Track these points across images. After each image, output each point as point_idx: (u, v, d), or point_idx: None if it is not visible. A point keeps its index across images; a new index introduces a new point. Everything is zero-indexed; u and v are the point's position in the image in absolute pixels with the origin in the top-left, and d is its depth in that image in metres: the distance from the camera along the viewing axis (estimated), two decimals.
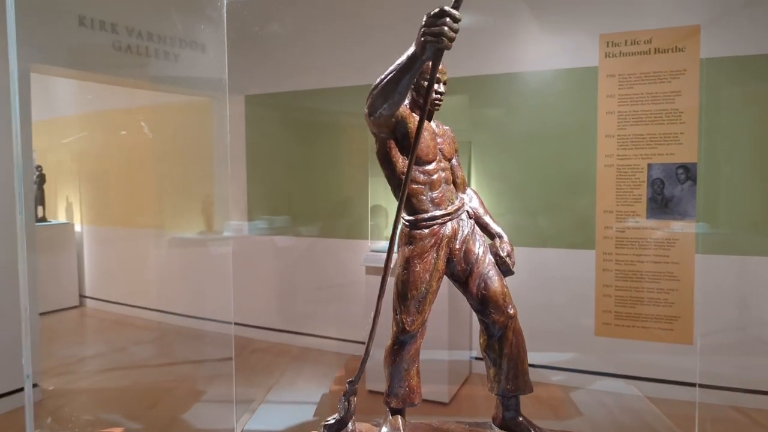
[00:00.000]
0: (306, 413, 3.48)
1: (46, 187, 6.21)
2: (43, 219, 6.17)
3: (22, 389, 3.61)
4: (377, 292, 1.83)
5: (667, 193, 3.46)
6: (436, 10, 1.47)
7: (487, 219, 2.09)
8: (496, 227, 2.07)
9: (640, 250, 3.58)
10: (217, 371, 4.25)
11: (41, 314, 5.77)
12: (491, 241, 2.04)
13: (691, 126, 3.41)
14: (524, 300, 3.97)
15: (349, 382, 1.92)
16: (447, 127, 2.08)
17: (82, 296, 6.66)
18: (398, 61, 1.58)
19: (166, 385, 4.01)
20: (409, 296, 1.89)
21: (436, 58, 1.53)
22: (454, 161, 2.05)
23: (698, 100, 3.39)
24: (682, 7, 3.46)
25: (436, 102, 1.94)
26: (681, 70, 3.41)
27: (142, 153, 5.89)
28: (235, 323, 5.20)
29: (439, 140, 1.96)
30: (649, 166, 3.52)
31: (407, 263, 1.90)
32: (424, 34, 1.48)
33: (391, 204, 4.49)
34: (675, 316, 3.49)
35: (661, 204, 3.48)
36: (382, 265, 3.62)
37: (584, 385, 3.77)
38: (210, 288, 5.28)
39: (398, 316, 1.92)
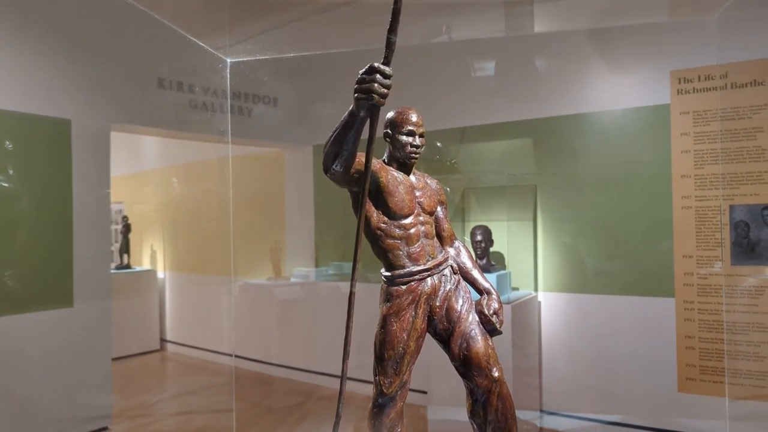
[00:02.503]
0: None
1: (131, 236, 6.66)
2: (128, 266, 6.59)
3: (101, 430, 3.79)
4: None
5: (753, 237, 3.17)
6: (366, 67, 1.48)
7: (475, 274, 1.98)
8: (484, 283, 1.96)
9: (726, 299, 3.27)
10: (284, 417, 4.25)
11: (123, 357, 6.11)
12: (479, 298, 1.92)
13: None
14: (598, 351, 3.75)
15: None
16: (432, 180, 2.02)
17: (163, 340, 6.98)
18: (341, 119, 1.58)
19: (230, 431, 4.06)
20: (386, 357, 1.82)
21: (372, 115, 1.53)
22: (440, 213, 1.99)
23: None
24: (759, 40, 3.26)
25: (412, 155, 1.88)
26: (762, 105, 3.18)
27: (218, 202, 6.21)
28: (301, 369, 5.23)
29: (417, 194, 1.90)
30: (732, 207, 3.25)
31: (384, 322, 1.84)
32: (355, 92, 1.50)
33: None
34: (766, 371, 3.13)
35: (746, 248, 3.19)
36: None
37: None
38: (276, 332, 5.37)
39: (376, 378, 1.86)
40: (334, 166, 1.66)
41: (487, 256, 3.74)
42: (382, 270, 1.89)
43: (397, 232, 1.83)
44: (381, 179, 1.81)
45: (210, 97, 4.49)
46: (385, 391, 1.83)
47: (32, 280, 3.49)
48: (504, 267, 3.97)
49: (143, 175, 7.03)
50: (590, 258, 3.79)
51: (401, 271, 1.82)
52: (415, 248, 1.84)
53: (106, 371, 3.86)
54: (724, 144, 3.29)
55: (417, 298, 1.82)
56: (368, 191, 1.72)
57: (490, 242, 3.76)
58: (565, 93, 3.92)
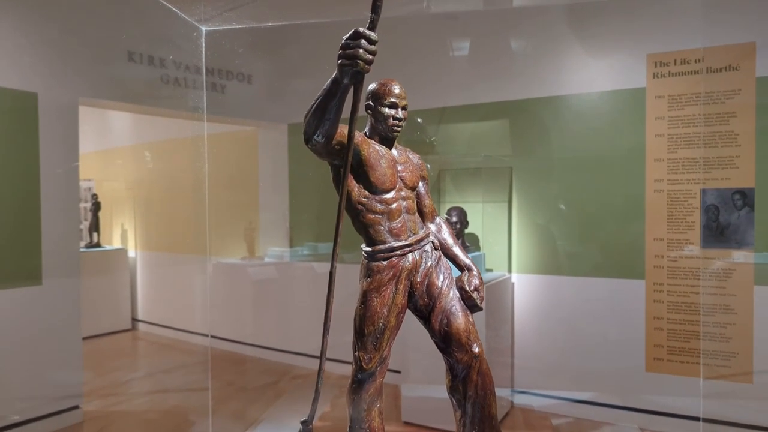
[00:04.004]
0: None
1: (101, 214, 6.50)
2: (98, 245, 6.44)
3: (72, 408, 3.73)
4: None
5: (723, 220, 3.24)
6: (351, 32, 1.43)
7: (456, 250, 1.98)
8: (465, 259, 1.96)
9: (694, 281, 3.35)
10: (258, 396, 4.25)
11: (94, 336, 6.01)
12: (459, 275, 1.93)
13: (747, 149, 3.20)
14: (569, 331, 3.82)
15: (303, 422, 1.84)
16: (414, 155, 2.00)
17: (134, 319, 6.88)
18: (324, 87, 1.54)
19: (205, 410, 4.04)
20: (366, 332, 1.81)
21: (357, 82, 1.48)
22: (421, 189, 1.97)
23: (755, 122, 3.19)
24: (735, 25, 3.29)
25: (395, 128, 1.85)
26: (735, 89, 3.22)
27: (192, 181, 6.09)
28: (275, 349, 5.22)
29: (399, 168, 1.88)
30: (703, 191, 3.32)
31: (364, 297, 1.82)
32: (339, 58, 1.45)
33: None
34: (732, 352, 3.23)
35: (716, 232, 3.26)
36: None
37: (632, 423, 3.53)
38: (250, 312, 5.34)
39: (356, 353, 1.85)
40: (315, 137, 1.62)
41: (462, 237, 3.75)
42: (363, 245, 1.87)
43: (379, 206, 1.80)
44: (363, 152, 1.78)
45: (182, 72, 4.36)
46: (364, 366, 1.82)
47: (3, 259, 3.38)
48: (478, 248, 4.00)
49: (113, 152, 6.85)
50: (563, 240, 3.84)
51: (382, 247, 1.81)
52: (397, 223, 1.82)
53: (76, 349, 3.78)
54: (697, 128, 3.34)
55: (398, 274, 1.81)
56: (350, 164, 1.68)
57: (465, 223, 3.77)
58: (541, 74, 3.92)
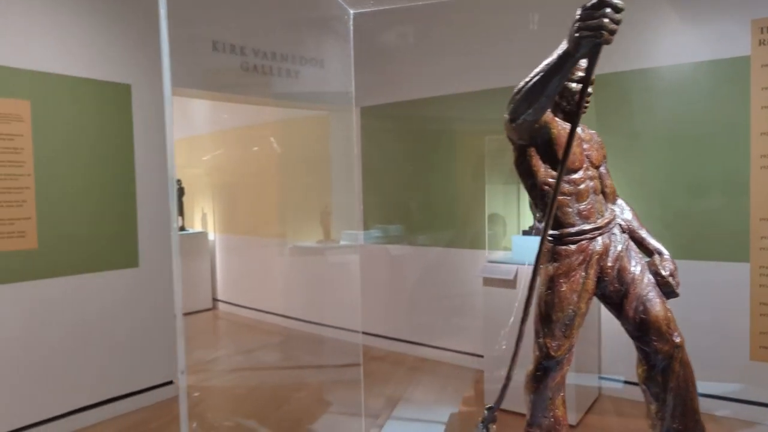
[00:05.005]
0: None
1: (184, 199, 6.80)
2: (182, 228, 6.76)
3: (166, 384, 3.95)
4: (519, 311, 1.74)
5: None
6: (594, 1, 1.31)
7: (644, 233, 1.88)
8: (654, 242, 1.86)
9: None
10: (339, 377, 4.35)
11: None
12: (650, 259, 1.82)
13: None
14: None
15: (488, 408, 1.79)
16: (593, 131, 1.89)
17: (215, 299, 7.20)
18: (546, 62, 1.44)
19: (291, 388, 4.17)
20: (553, 318, 1.72)
21: (594, 55, 1.38)
22: (602, 168, 1.87)
23: None
24: None
25: (585, 105, 1.75)
26: None
27: (268, 166, 6.25)
28: (355, 331, 5.30)
29: (585, 146, 1.79)
30: None
31: (551, 282, 1.73)
32: (579, 29, 1.33)
33: (509, 213, 4.32)
34: None
35: None
36: (500, 277, 3.48)
37: (737, 415, 3.33)
38: (330, 295, 5.45)
39: (541, 340, 1.76)
40: (526, 115, 1.54)
41: None
42: (538, 226, 1.82)
43: (567, 187, 1.72)
44: (552, 130, 1.70)
45: (260, 59, 4.45)
46: (552, 353, 1.75)
47: (102, 241, 3.60)
48: None
49: (194, 140, 7.12)
50: (656, 222, 3.64)
51: (571, 230, 1.73)
52: (586, 205, 1.74)
53: (170, 327, 3.99)
54: None
55: (588, 258, 1.73)
56: (536, 144, 1.62)
57: None
58: (629, 46, 3.69)
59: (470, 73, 4.32)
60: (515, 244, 3.76)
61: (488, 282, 3.59)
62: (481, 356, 3.78)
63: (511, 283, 3.43)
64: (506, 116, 1.59)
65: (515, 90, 1.53)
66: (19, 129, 3.23)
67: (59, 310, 3.41)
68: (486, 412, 1.78)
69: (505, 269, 3.51)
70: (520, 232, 4.02)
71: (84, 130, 3.52)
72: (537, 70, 1.47)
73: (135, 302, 3.78)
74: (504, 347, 3.51)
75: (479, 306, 3.79)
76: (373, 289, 5.13)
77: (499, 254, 4.05)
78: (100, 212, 3.60)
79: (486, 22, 4.28)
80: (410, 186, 4.90)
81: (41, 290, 3.31)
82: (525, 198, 3.96)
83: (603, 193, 1.86)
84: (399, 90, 4.86)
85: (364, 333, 5.21)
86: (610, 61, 3.71)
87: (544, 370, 1.78)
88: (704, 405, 3.43)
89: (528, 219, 4.04)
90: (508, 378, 1.74)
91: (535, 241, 2.05)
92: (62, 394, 3.42)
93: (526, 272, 3.39)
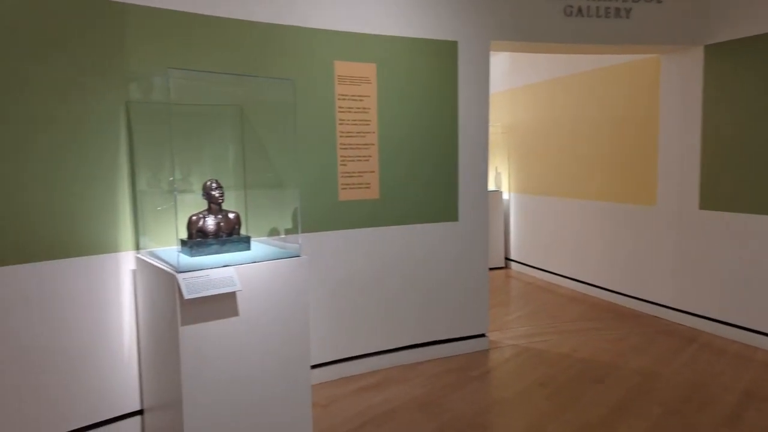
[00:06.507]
0: None
1: None
2: None
3: (475, 336, 4.06)
4: None
5: None
6: None
7: None
8: None
9: None
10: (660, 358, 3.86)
11: None
12: None
13: None
14: None
15: None
16: None
17: (507, 259, 7.23)
18: None
19: (609, 362, 3.86)
20: None
21: None
22: None
23: None
24: None
25: None
26: None
27: (578, 121, 5.84)
28: (675, 309, 4.65)
29: None
30: None
31: None
32: None
33: None
34: None
35: None
36: None
37: None
38: (647, 267, 4.87)
39: None
40: None
41: None
42: None
43: None
44: None
45: (585, 0, 4.05)
46: None
47: (428, 196, 3.81)
48: None
49: (494, 97, 7.08)
50: None
51: None
52: None
53: (483, 280, 4.06)
54: None
55: None
56: None
57: None
58: None
59: None
60: None
61: None
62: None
63: None
64: None
65: None
66: (367, 90, 3.56)
67: (394, 253, 3.73)
68: None
69: None
70: None
71: (416, 89, 3.70)
72: None
73: (454, 253, 3.93)
74: None
75: None
76: (705, 263, 4.37)
77: None
78: (429, 168, 3.79)
79: None
80: None
81: (380, 235, 3.66)
82: None
83: None
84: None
85: (690, 313, 4.53)
86: None
87: None
88: None
89: None
90: None
91: None
92: (392, 330, 3.78)
93: None
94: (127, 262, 2.80)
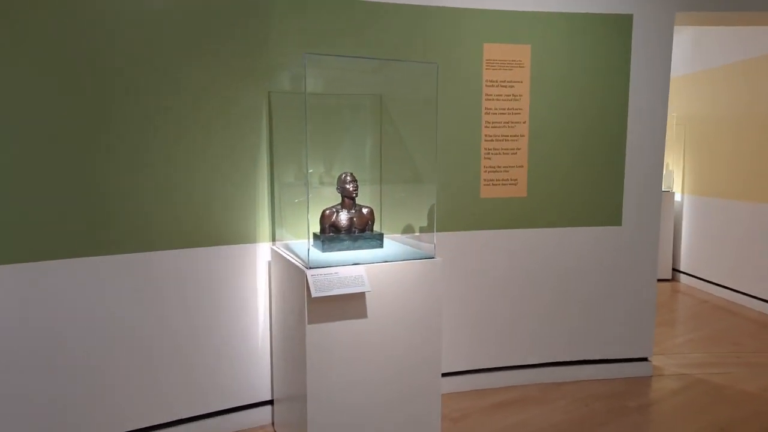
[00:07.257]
0: None
1: None
2: None
3: (636, 359, 3.51)
4: None
5: None
6: None
7: None
8: None
9: None
10: None
11: None
12: None
13: None
14: None
15: None
16: None
17: (674, 270, 6.30)
18: None
19: None
20: None
21: None
22: None
23: None
24: None
25: None
26: None
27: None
28: None
29: None
30: None
31: None
32: None
33: None
34: None
35: None
36: None
37: None
38: None
39: None
40: None
41: None
42: None
43: None
44: None
45: None
46: None
47: (586, 195, 3.34)
48: None
49: (674, 81, 6.17)
50: None
51: None
52: None
53: (650, 295, 3.49)
54: None
55: None
56: None
57: None
58: None
59: None
60: None
61: None
62: None
63: None
64: None
65: None
66: (520, 75, 3.19)
67: (543, 258, 3.33)
68: None
69: None
70: None
71: (577, 73, 3.24)
72: None
73: (614, 262, 3.41)
74: None
75: None
76: None
77: None
78: (588, 164, 3.31)
79: None
80: None
81: (527, 238, 3.29)
82: None
83: None
84: None
85: None
86: None
87: None
88: None
89: None
90: None
91: None
92: (534, 343, 3.39)
93: None
94: (264, 253, 2.80)
